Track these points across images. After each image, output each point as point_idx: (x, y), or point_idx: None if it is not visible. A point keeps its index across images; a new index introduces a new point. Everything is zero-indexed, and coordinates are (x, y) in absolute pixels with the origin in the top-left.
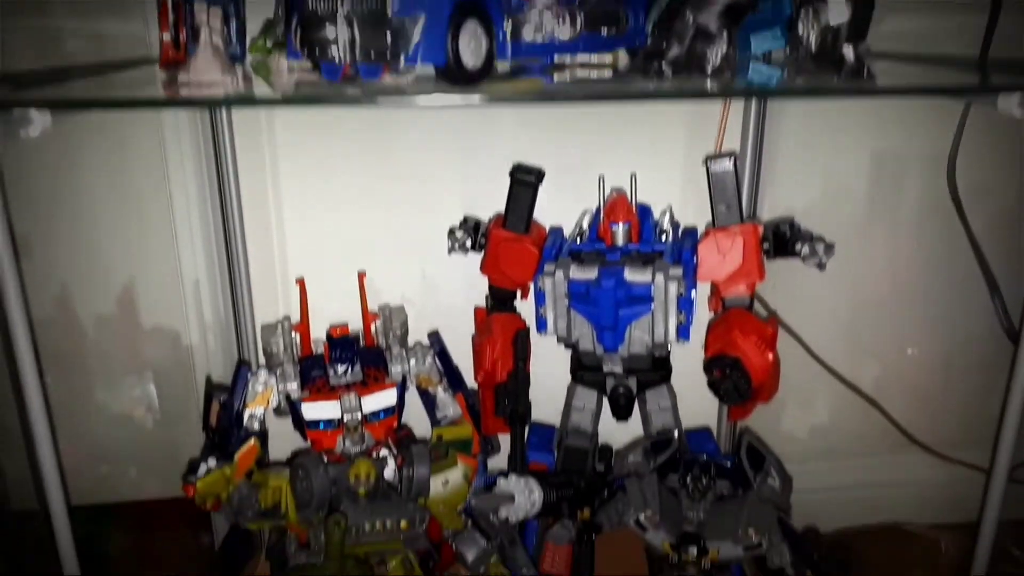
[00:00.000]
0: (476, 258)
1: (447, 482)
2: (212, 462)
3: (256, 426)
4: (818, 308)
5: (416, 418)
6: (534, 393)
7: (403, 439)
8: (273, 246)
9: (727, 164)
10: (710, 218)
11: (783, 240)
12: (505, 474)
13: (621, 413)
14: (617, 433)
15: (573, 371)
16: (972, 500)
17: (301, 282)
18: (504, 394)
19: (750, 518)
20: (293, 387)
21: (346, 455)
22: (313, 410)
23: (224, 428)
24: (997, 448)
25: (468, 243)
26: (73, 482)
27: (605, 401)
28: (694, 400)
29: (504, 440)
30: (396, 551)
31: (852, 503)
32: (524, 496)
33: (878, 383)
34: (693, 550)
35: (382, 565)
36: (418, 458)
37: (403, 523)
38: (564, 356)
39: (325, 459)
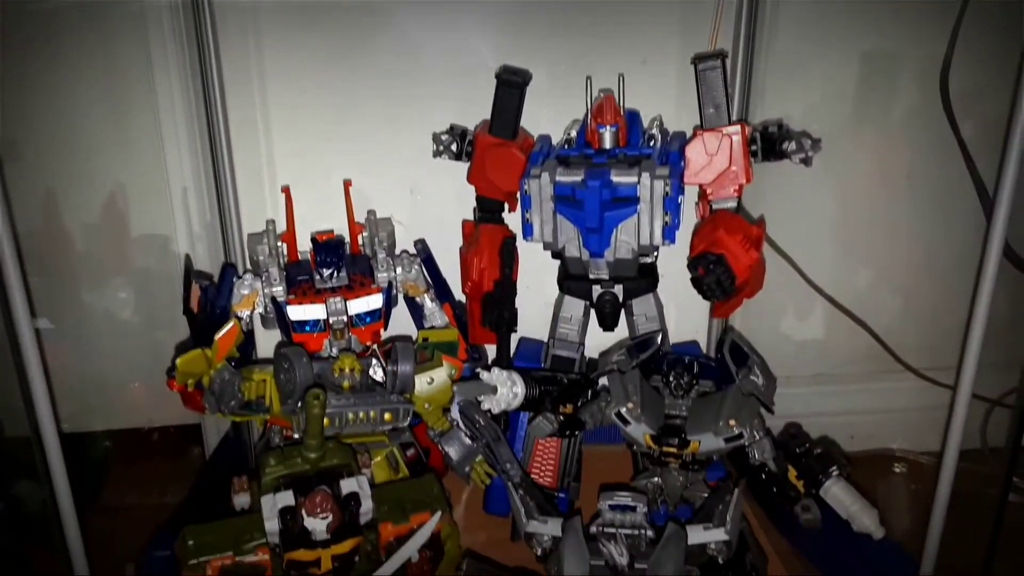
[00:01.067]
0: (464, 171)
1: (432, 381)
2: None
3: (243, 328)
4: (806, 223)
5: (404, 330)
6: (524, 310)
7: (389, 350)
8: (260, 153)
9: (715, 63)
10: (699, 123)
11: (771, 141)
12: (488, 368)
13: (607, 322)
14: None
15: (560, 281)
16: (971, 428)
17: (286, 189)
18: (491, 303)
19: (731, 410)
20: (279, 290)
21: (333, 357)
22: (299, 312)
23: (207, 316)
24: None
25: (454, 147)
26: (63, 407)
27: (592, 315)
28: (683, 317)
29: (491, 352)
30: (381, 444)
31: (841, 429)
32: (506, 388)
33: (867, 303)
34: (674, 441)
35: (367, 455)
36: (402, 354)
37: (387, 415)
38: (553, 273)
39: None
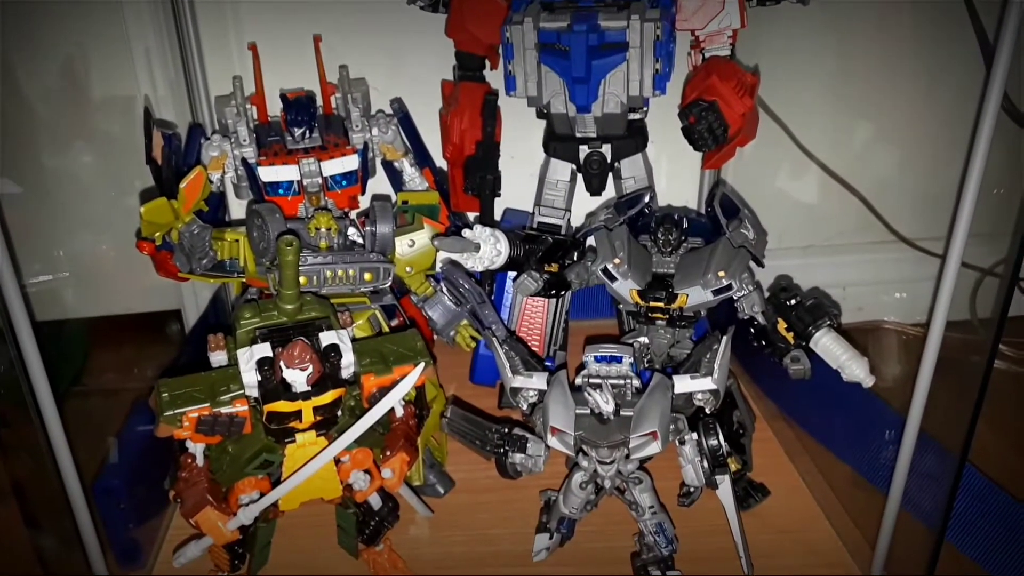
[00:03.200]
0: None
1: (413, 244)
2: None
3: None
4: (800, 81)
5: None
6: (508, 180)
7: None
8: (225, 8)
9: None
10: None
11: None
12: (471, 226)
13: (594, 184)
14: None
15: (545, 143)
16: (954, 298)
17: (253, 47)
18: (473, 166)
19: (720, 262)
20: (249, 151)
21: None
22: (270, 173)
23: (172, 170)
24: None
25: None
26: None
27: (579, 180)
28: (672, 183)
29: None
30: (363, 307)
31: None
32: (489, 245)
33: (859, 169)
34: (661, 295)
35: (348, 315)
36: (381, 214)
37: (367, 274)
38: (538, 141)
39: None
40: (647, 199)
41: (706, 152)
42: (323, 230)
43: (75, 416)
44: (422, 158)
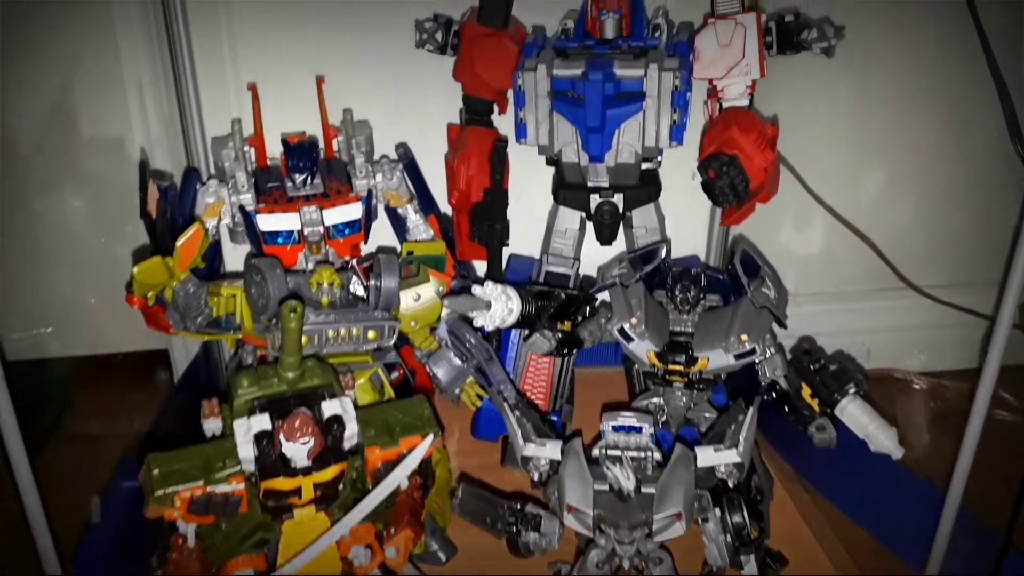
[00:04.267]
0: (450, 70)
1: (418, 297)
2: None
3: (209, 239)
4: (814, 127)
5: (385, 245)
6: (514, 224)
7: (368, 267)
8: (222, 45)
9: None
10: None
11: (788, 32)
12: (481, 282)
13: (605, 235)
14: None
15: (555, 191)
16: (966, 346)
17: (253, 88)
18: (481, 214)
19: (743, 325)
20: (247, 198)
21: (310, 270)
22: (270, 221)
23: (167, 222)
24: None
25: (439, 35)
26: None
27: (589, 228)
28: (681, 229)
29: (481, 270)
30: (365, 365)
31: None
32: (501, 303)
33: (870, 215)
34: (680, 358)
35: (350, 376)
36: (386, 267)
37: (371, 333)
38: (546, 185)
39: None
40: (663, 254)
41: (726, 208)
42: (325, 285)
43: (54, 470)
44: (427, 204)
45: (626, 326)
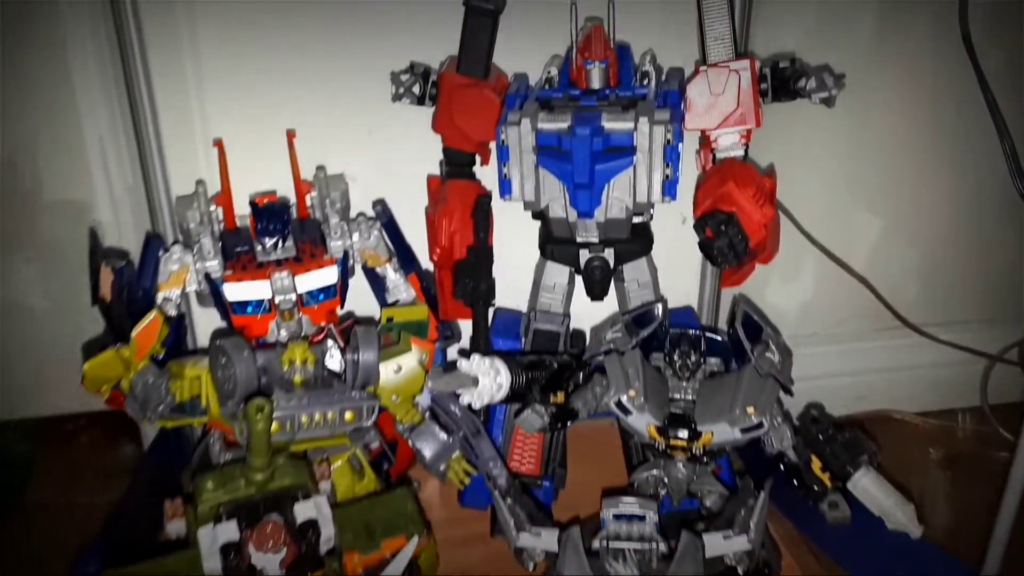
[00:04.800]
0: (429, 117)
1: (399, 369)
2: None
3: (171, 311)
4: (804, 168)
5: (363, 306)
6: (499, 277)
7: (348, 328)
8: (190, 98)
9: None
10: (700, 58)
11: (784, 79)
12: (467, 354)
13: (596, 291)
14: (591, 319)
15: (542, 245)
16: (966, 384)
17: (219, 144)
18: (464, 272)
19: (748, 396)
20: (213, 265)
21: (281, 344)
22: (237, 290)
23: (125, 303)
24: None
25: (416, 88)
26: None
27: (578, 280)
28: (672, 277)
29: (465, 327)
30: (342, 448)
31: (837, 391)
32: (488, 378)
33: (862, 253)
34: (683, 433)
35: (326, 464)
36: (364, 340)
37: (348, 414)
38: (532, 234)
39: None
40: (660, 316)
41: (725, 269)
42: (298, 363)
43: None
44: (407, 262)
45: (623, 399)
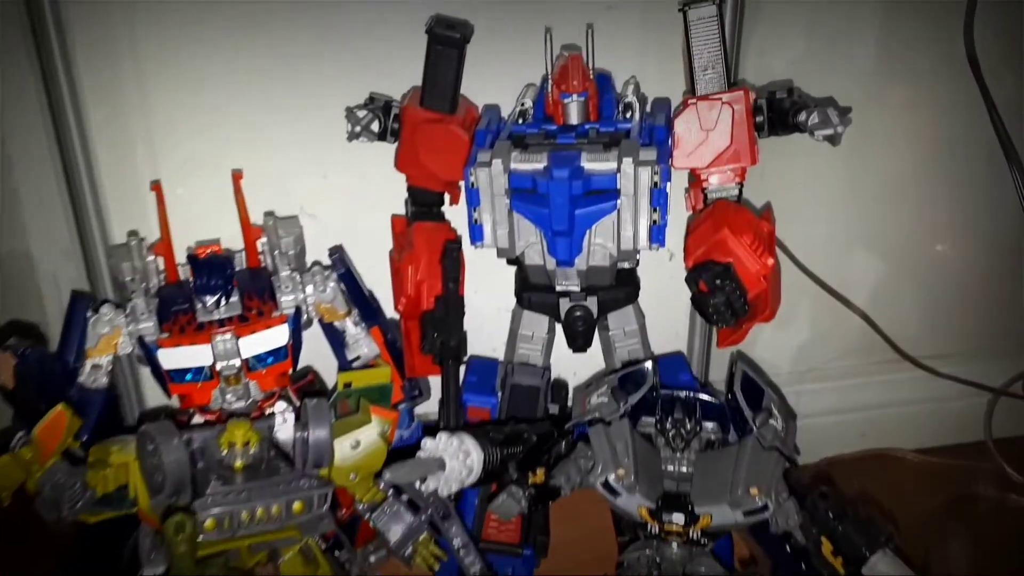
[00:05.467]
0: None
1: (358, 444)
2: (20, 438)
3: (102, 381)
4: (803, 202)
5: (323, 360)
6: (473, 323)
7: (306, 388)
8: (132, 138)
9: (710, 8)
10: (686, 88)
11: (782, 112)
12: (432, 430)
13: (579, 343)
14: (575, 365)
15: (518, 293)
16: (968, 418)
17: (157, 187)
18: (431, 325)
19: (751, 473)
20: (147, 326)
21: (227, 413)
22: (174, 357)
23: (35, 387)
24: None
25: (376, 127)
26: None
27: (559, 328)
28: (659, 318)
29: (436, 381)
30: (291, 541)
31: (835, 429)
32: (458, 461)
33: (858, 287)
34: (679, 518)
35: (273, 563)
36: (314, 416)
37: (296, 505)
38: (508, 276)
39: (200, 418)
40: (650, 378)
41: (721, 328)
42: (238, 447)
43: None
44: (369, 315)
45: (611, 478)
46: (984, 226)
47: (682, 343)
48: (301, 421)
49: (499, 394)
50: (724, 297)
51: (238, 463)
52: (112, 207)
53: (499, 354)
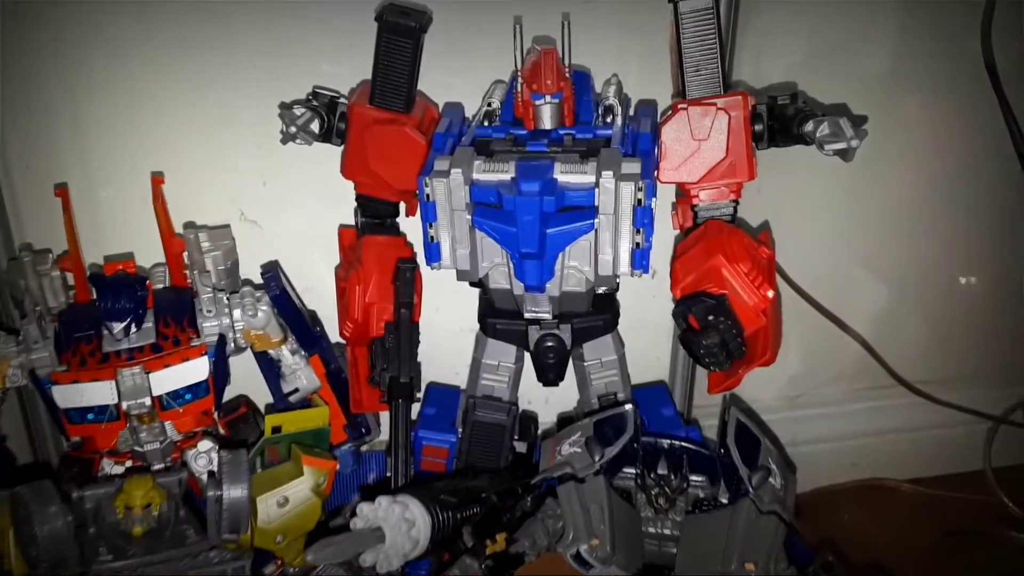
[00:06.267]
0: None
1: (286, 501)
2: None
3: None
4: (798, 219)
5: (260, 386)
6: (429, 342)
7: (238, 421)
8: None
9: (706, 1)
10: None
11: (784, 120)
12: (370, 494)
13: (550, 376)
14: (545, 392)
15: (482, 319)
16: (962, 449)
17: (62, 192)
18: (381, 356)
19: (746, 544)
20: (41, 357)
21: (140, 456)
22: (71, 394)
23: None
24: None
25: (316, 126)
26: None
27: (527, 357)
28: (638, 340)
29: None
30: None
31: (826, 457)
32: (400, 533)
33: (852, 308)
34: None
35: None
36: (229, 472)
37: None
38: (471, 294)
39: (108, 463)
40: (631, 428)
41: (713, 371)
42: (136, 512)
43: None
44: (308, 342)
45: (583, 549)
46: (994, 250)
47: (663, 369)
48: (213, 480)
49: (459, 431)
50: (718, 337)
51: (136, 529)
52: (24, 214)
53: (461, 379)
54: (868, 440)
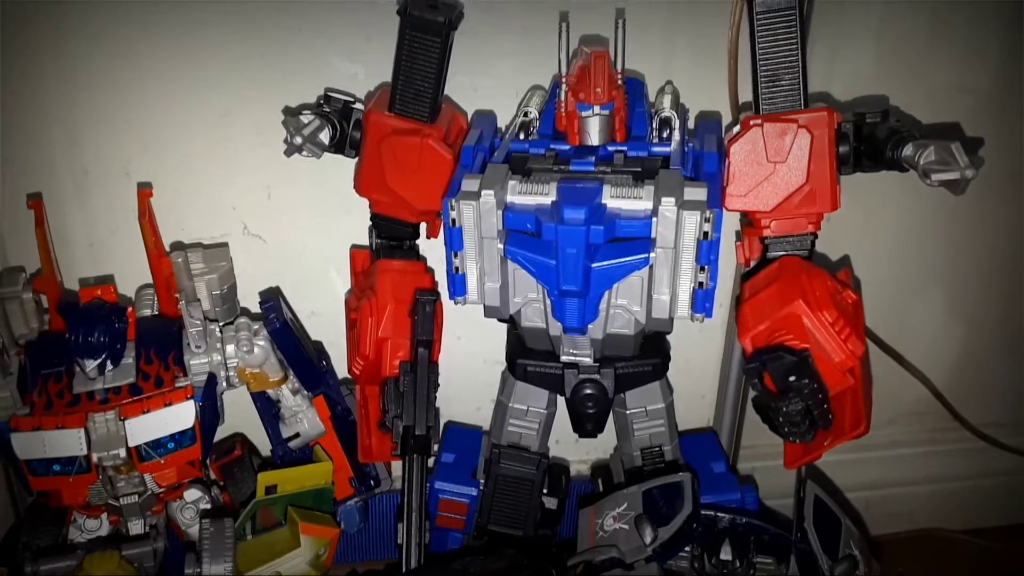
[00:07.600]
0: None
1: None
2: None
3: None
4: (855, 243)
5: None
6: (450, 376)
7: (232, 465)
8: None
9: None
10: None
11: (875, 142)
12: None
13: (588, 428)
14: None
15: (510, 359)
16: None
17: (35, 203)
18: (394, 401)
19: None
20: (2, 399)
21: (115, 511)
22: (32, 444)
23: None
24: None
25: (326, 136)
26: None
27: (561, 403)
28: (680, 375)
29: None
30: None
31: (877, 506)
32: None
33: (923, 349)
34: None
35: None
36: (211, 548)
37: None
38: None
39: (81, 517)
40: (689, 506)
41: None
42: None
43: None
44: (312, 382)
45: None
46: None
47: (708, 406)
48: (196, 551)
49: (481, 483)
50: (802, 404)
51: None
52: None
53: (483, 416)
54: (925, 487)
